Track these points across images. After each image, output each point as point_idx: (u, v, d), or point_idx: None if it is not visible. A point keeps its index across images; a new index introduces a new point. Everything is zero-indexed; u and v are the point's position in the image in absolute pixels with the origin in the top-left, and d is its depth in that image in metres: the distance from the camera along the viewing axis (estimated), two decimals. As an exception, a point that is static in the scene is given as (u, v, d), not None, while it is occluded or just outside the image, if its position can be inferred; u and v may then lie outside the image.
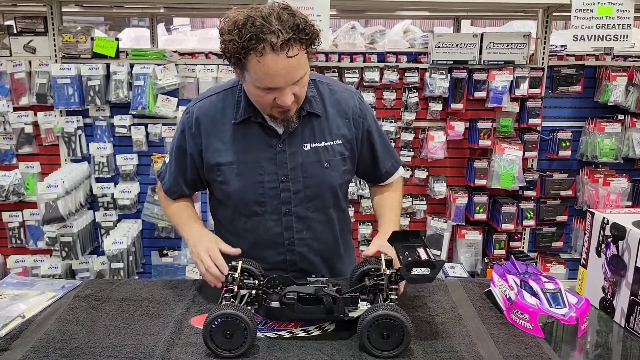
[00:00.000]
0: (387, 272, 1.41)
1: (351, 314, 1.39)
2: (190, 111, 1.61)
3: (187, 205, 1.75)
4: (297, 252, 1.66)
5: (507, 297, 1.51)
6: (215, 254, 1.52)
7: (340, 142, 1.62)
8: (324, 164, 1.60)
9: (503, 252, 3.31)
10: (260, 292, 1.42)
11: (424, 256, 1.41)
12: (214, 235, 1.63)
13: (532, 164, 3.30)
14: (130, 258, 3.14)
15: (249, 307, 1.37)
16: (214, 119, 1.58)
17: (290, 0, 2.83)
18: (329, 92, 1.63)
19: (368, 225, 3.34)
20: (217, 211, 1.74)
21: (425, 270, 1.34)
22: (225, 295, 1.36)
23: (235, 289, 1.38)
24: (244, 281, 1.42)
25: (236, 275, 1.40)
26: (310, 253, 1.67)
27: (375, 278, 1.46)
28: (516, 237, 3.36)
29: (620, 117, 3.18)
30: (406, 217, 3.35)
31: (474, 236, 3.34)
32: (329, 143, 1.61)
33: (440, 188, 3.27)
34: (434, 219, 3.34)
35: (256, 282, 1.43)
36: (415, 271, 1.34)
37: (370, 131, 1.68)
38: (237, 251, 1.55)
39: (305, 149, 1.58)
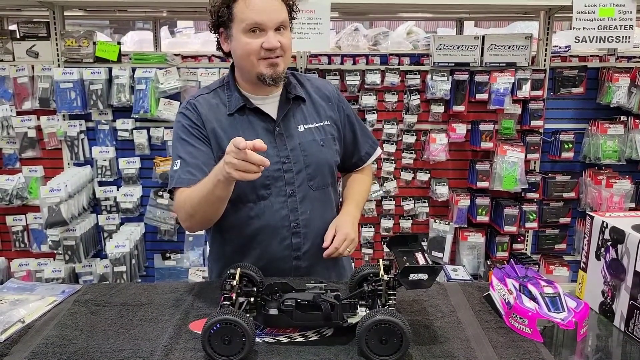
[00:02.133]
0: (385, 277, 1.41)
1: (350, 320, 1.39)
2: (188, 104, 1.67)
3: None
4: (301, 234, 1.70)
5: (506, 301, 1.51)
6: (244, 153, 1.34)
7: (329, 122, 1.75)
8: (320, 143, 1.71)
9: (506, 254, 3.30)
10: (258, 299, 1.42)
11: (422, 261, 1.41)
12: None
13: (534, 166, 3.29)
14: (133, 261, 3.16)
15: (248, 315, 1.37)
16: (210, 110, 1.65)
17: (291, 4, 2.83)
18: (307, 80, 1.78)
19: (370, 227, 3.34)
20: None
21: (423, 276, 1.34)
22: (224, 302, 1.36)
23: (234, 297, 1.38)
24: (243, 288, 1.42)
25: (234, 282, 1.40)
26: (313, 233, 1.72)
27: (373, 284, 1.46)
28: (519, 240, 3.35)
29: (623, 118, 3.16)
30: (408, 219, 3.35)
31: (477, 238, 3.33)
32: (319, 124, 1.73)
33: (442, 190, 3.27)
34: (436, 221, 3.34)
35: (255, 289, 1.43)
36: (413, 276, 1.33)
37: (348, 114, 1.82)
38: (263, 146, 1.36)
39: (300, 130, 1.69)
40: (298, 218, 1.69)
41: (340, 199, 1.89)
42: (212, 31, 1.65)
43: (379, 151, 1.93)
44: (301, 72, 3.16)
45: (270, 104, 1.70)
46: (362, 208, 1.85)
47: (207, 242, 1.95)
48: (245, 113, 1.66)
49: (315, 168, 1.70)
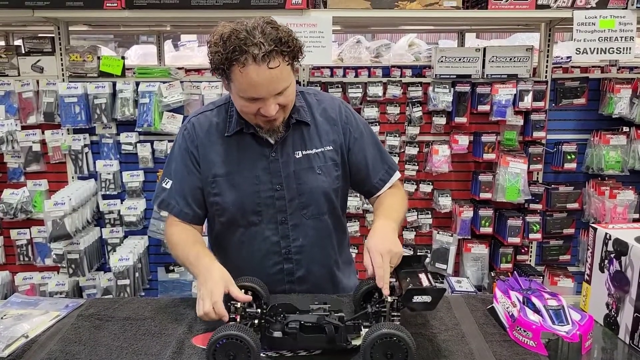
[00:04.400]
0: (389, 299, 1.40)
1: (354, 342, 1.39)
2: (188, 125, 1.65)
3: (194, 235, 1.65)
4: (294, 260, 1.67)
5: (510, 314, 1.50)
6: (217, 300, 1.38)
7: (331, 147, 1.65)
8: (316, 170, 1.63)
9: (510, 265, 3.29)
10: (262, 321, 1.41)
11: (425, 282, 1.40)
12: (224, 273, 1.47)
13: (537, 177, 3.29)
14: (137, 274, 3.16)
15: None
16: (208, 132, 1.62)
17: (292, 18, 2.87)
18: (316, 102, 1.68)
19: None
20: (213, 228, 1.74)
21: (427, 298, 1.33)
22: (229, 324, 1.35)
23: (238, 319, 1.37)
24: (247, 310, 1.42)
25: (238, 305, 1.40)
26: (308, 260, 1.68)
27: (377, 305, 1.45)
28: (523, 251, 3.34)
29: (625, 129, 3.16)
30: (412, 231, 3.35)
31: (480, 250, 3.32)
32: (319, 149, 1.64)
33: (445, 202, 3.27)
34: (440, 232, 3.33)
35: (259, 310, 1.42)
36: (416, 299, 1.33)
37: (357, 137, 1.69)
38: (247, 298, 1.42)
39: (297, 156, 1.61)
40: (290, 245, 1.66)
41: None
42: (212, 73, 1.51)
43: (397, 176, 1.77)
44: (304, 84, 3.18)
45: None
46: (398, 217, 1.66)
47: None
48: (243, 135, 1.61)
49: (309, 197, 1.64)
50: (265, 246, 1.65)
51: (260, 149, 1.61)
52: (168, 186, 1.63)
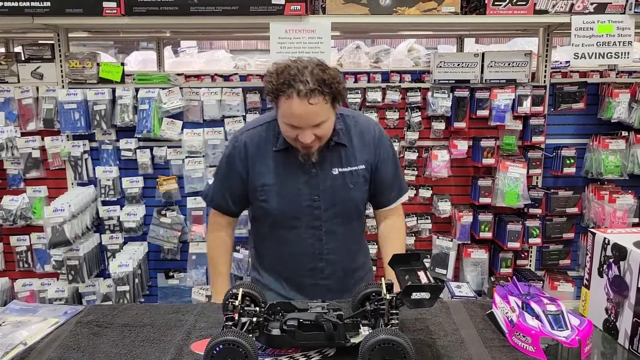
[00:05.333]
0: (388, 296, 1.40)
1: (353, 340, 1.39)
2: (239, 139, 1.86)
3: (225, 252, 2.02)
4: (324, 259, 1.90)
5: (509, 319, 1.50)
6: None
7: (364, 166, 1.87)
8: (350, 186, 1.85)
9: (510, 270, 3.28)
10: (261, 319, 1.41)
11: (424, 279, 1.40)
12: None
13: (536, 182, 3.29)
14: (136, 280, 3.15)
15: (250, 335, 1.36)
16: (258, 146, 1.83)
17: (291, 24, 2.88)
18: (354, 125, 1.88)
19: (373, 245, 3.32)
20: (258, 226, 1.98)
21: (425, 295, 1.33)
22: (227, 323, 1.36)
23: (236, 317, 1.38)
24: (245, 308, 1.42)
25: (237, 303, 1.40)
26: (336, 259, 1.92)
27: (376, 303, 1.45)
28: (523, 255, 3.34)
29: (624, 133, 3.17)
30: (411, 236, 3.34)
31: (480, 255, 3.31)
32: (354, 168, 1.85)
33: (444, 207, 3.26)
34: (439, 237, 3.33)
35: (257, 309, 1.43)
36: (415, 295, 1.33)
37: (384, 159, 1.91)
38: None
39: (334, 173, 1.83)
40: (322, 247, 1.88)
41: (378, 242, 2.07)
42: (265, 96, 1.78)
43: (406, 197, 2.04)
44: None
45: None
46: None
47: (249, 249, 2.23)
48: (288, 152, 1.81)
49: (343, 208, 1.87)
50: (302, 247, 1.88)
51: (302, 164, 1.81)
52: (212, 184, 1.94)
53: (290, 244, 1.89)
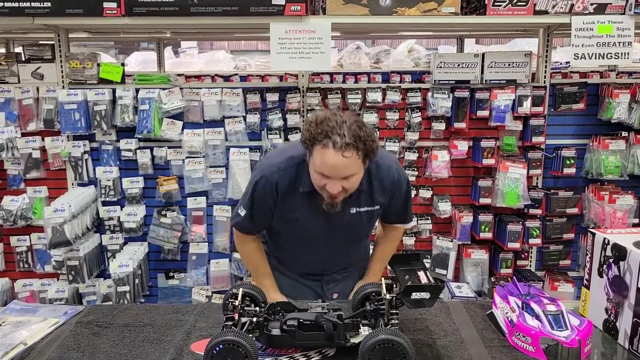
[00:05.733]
0: (388, 296, 1.41)
1: (353, 340, 1.39)
2: (271, 180, 1.92)
3: (262, 256, 2.11)
4: (329, 262, 2.10)
5: (509, 319, 1.50)
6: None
7: (379, 207, 1.99)
8: (364, 222, 2.00)
9: (510, 270, 3.28)
10: (261, 319, 1.42)
11: (424, 279, 1.41)
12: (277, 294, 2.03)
13: (536, 182, 3.29)
14: (137, 281, 3.15)
15: (250, 335, 1.36)
16: (288, 186, 1.92)
17: (291, 24, 2.88)
18: (375, 169, 1.94)
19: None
20: (277, 235, 2.10)
21: (425, 295, 1.33)
22: (227, 323, 1.36)
23: (236, 317, 1.38)
24: (245, 308, 1.42)
25: (237, 303, 1.40)
26: (340, 261, 2.12)
27: (375, 303, 1.46)
28: (523, 256, 3.34)
29: (624, 134, 3.16)
30: (411, 236, 3.34)
31: (480, 255, 3.31)
32: (370, 208, 1.96)
33: (445, 207, 3.26)
34: (440, 238, 3.33)
35: (257, 309, 1.43)
36: (415, 295, 1.33)
37: (398, 196, 2.01)
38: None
39: (352, 212, 1.93)
40: (333, 255, 2.08)
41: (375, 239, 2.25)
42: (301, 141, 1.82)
43: (408, 226, 2.26)
44: (303, 90, 3.19)
45: None
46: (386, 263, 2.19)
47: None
48: (313, 192, 1.88)
49: (355, 236, 2.07)
50: (315, 252, 2.05)
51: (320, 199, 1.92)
52: (242, 214, 1.99)
53: (304, 248, 2.06)
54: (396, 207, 2.03)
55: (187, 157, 3.22)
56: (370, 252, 2.29)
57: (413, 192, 3.25)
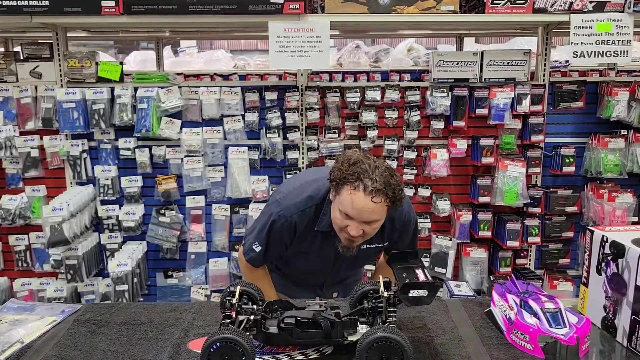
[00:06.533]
0: (385, 294, 1.40)
1: (350, 338, 1.38)
2: (290, 219, 1.92)
3: (269, 282, 2.11)
4: (335, 278, 2.15)
5: (507, 317, 1.50)
6: None
7: (387, 243, 2.02)
8: (372, 254, 2.07)
9: (509, 269, 3.28)
10: (258, 317, 1.41)
11: (422, 277, 1.40)
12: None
13: (536, 181, 3.28)
14: (135, 280, 3.15)
15: (248, 333, 1.36)
16: (306, 225, 1.94)
17: (290, 22, 2.88)
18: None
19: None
20: (284, 261, 2.13)
21: (423, 292, 1.33)
22: (224, 321, 1.35)
23: (234, 315, 1.37)
24: (242, 306, 1.42)
25: (234, 300, 1.40)
26: (341, 276, 2.17)
27: (373, 300, 1.45)
28: (522, 254, 3.33)
29: (624, 132, 3.16)
30: (410, 235, 3.34)
31: (479, 254, 3.31)
32: (379, 245, 2.00)
33: (444, 206, 3.26)
34: (439, 236, 3.33)
35: (254, 307, 1.43)
36: (413, 293, 1.33)
37: (405, 235, 2.04)
38: None
39: (362, 247, 1.93)
40: (335, 275, 2.13)
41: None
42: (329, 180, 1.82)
43: None
44: (302, 89, 3.19)
45: None
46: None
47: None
48: (328, 232, 1.91)
49: (360, 265, 2.20)
50: (318, 277, 2.12)
51: (337, 243, 1.93)
52: (257, 250, 1.99)
53: (309, 272, 2.11)
54: (403, 244, 2.03)
55: (185, 156, 3.22)
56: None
57: (411, 191, 3.27)
